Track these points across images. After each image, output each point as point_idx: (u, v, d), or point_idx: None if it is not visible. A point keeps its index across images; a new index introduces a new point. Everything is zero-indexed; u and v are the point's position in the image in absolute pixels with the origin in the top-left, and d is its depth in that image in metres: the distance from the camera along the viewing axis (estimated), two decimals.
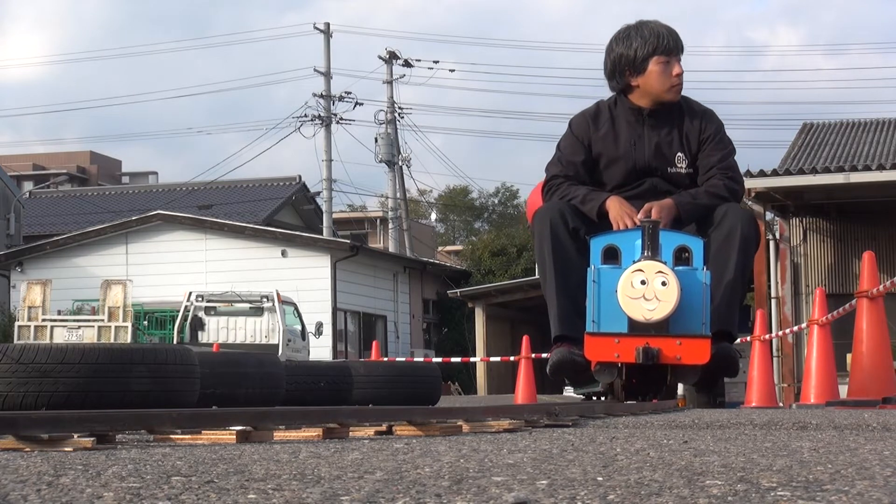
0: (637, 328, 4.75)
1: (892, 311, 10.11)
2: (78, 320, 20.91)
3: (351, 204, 52.85)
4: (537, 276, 5.46)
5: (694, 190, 5.22)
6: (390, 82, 41.60)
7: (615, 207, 5.05)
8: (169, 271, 30.55)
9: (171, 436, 3.44)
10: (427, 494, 1.76)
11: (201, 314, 24.36)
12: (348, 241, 34.08)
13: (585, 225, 5.10)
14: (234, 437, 3.35)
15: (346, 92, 39.70)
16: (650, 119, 5.33)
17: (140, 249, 31.65)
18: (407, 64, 41.56)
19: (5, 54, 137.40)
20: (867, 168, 18.29)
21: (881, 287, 7.97)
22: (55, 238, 33.13)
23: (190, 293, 24.46)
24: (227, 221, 32.61)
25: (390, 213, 41.88)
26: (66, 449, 2.86)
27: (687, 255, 4.88)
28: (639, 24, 5.37)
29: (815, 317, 9.51)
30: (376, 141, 41.04)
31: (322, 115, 39.13)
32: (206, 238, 31.51)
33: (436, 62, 42.42)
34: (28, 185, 53.57)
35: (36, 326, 19.95)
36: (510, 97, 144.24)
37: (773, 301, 19.72)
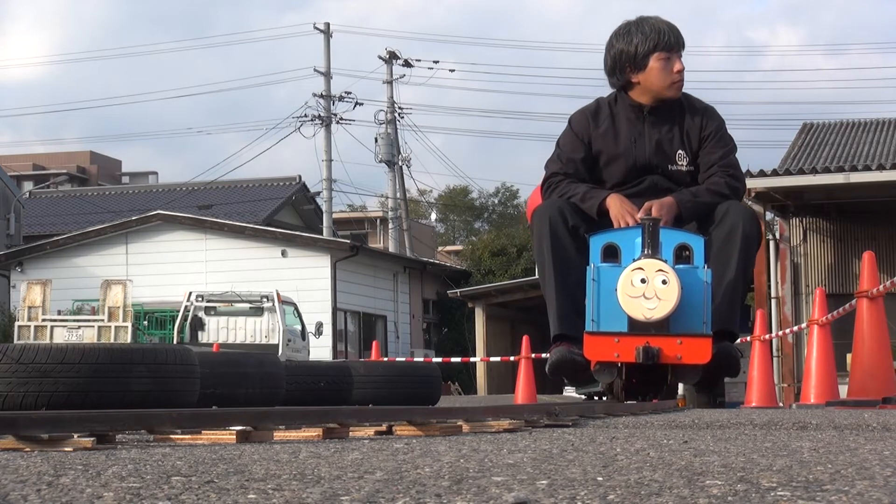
0: (637, 327, 4.70)
1: (892, 311, 10.11)
2: (78, 320, 20.91)
3: (351, 204, 52.92)
4: (537, 276, 5.41)
5: (695, 188, 5.17)
6: (390, 82, 41.61)
7: (616, 205, 5.00)
8: (169, 271, 30.55)
9: (171, 436, 3.44)
10: (427, 494, 1.76)
11: (201, 314, 24.36)
12: (348, 241, 34.09)
13: (585, 223, 5.05)
14: (234, 437, 3.35)
15: (346, 92, 39.75)
16: (651, 116, 5.28)
17: (140, 249, 31.65)
18: (407, 64, 41.56)
19: (5, 54, 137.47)
20: (867, 168, 18.29)
21: (881, 287, 7.97)
22: (55, 238, 33.14)
23: (190, 293, 24.47)
24: (227, 221, 32.61)
25: (390, 213, 41.87)
26: (66, 449, 2.86)
27: (687, 253, 4.83)
28: (639, 19, 5.31)
29: (815, 317, 9.51)
30: (376, 141, 41.04)
31: (322, 115, 39.14)
32: (206, 238, 31.51)
33: (436, 62, 42.48)
34: (28, 185, 53.58)
35: (36, 326, 19.95)
36: (510, 97, 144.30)
37: (773, 301, 19.72)
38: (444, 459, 2.45)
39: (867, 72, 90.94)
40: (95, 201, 41.80)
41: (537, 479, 2.00)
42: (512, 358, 20.22)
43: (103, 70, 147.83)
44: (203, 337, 23.89)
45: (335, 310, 31.01)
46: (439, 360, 21.93)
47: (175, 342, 23.11)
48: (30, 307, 20.17)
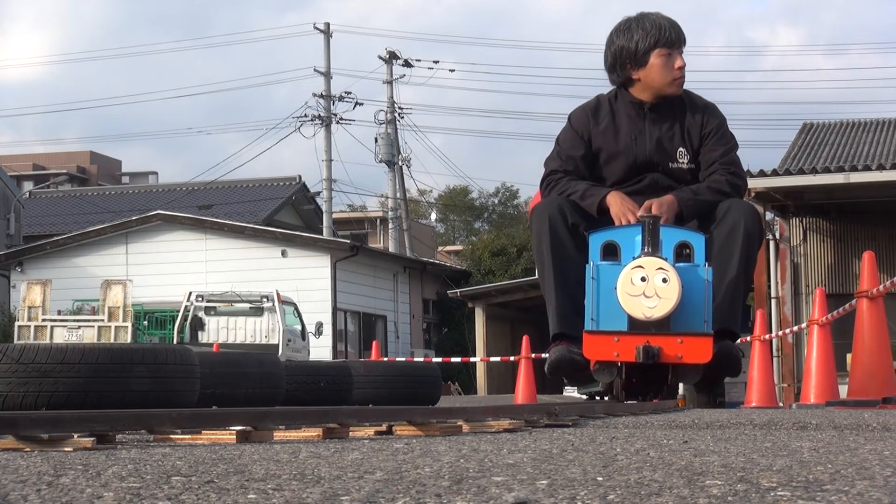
0: (637, 326, 4.64)
1: (892, 311, 10.11)
2: (78, 320, 20.91)
3: (351, 204, 52.94)
4: (537, 276, 5.37)
5: (695, 186, 5.12)
6: (390, 82, 41.61)
7: (616, 203, 4.95)
8: (169, 271, 30.56)
9: (171, 436, 3.44)
10: (427, 494, 1.76)
11: (201, 314, 24.36)
12: (348, 241, 34.09)
13: (585, 221, 4.99)
14: (234, 437, 3.35)
15: (346, 92, 39.76)
16: (651, 113, 5.22)
17: (140, 249, 31.66)
18: (407, 64, 41.57)
19: (5, 54, 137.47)
20: (867, 168, 18.29)
21: (881, 287, 7.97)
22: (55, 238, 33.14)
23: (190, 293, 24.47)
24: (227, 221, 32.62)
25: (390, 213, 41.88)
26: (66, 449, 2.86)
27: (688, 251, 4.77)
28: (640, 15, 5.25)
29: (815, 317, 9.51)
30: (376, 141, 41.05)
31: (322, 115, 39.14)
32: (206, 238, 31.52)
33: (436, 62, 42.48)
34: (28, 185, 53.58)
35: (36, 326, 19.95)
36: (510, 97, 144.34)
37: (773, 301, 19.72)
38: (444, 459, 2.45)
39: (867, 72, 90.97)
40: (95, 201, 41.80)
41: (537, 479, 2.00)
42: (512, 358, 20.22)
43: (103, 70, 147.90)
44: (203, 337, 23.89)
45: (335, 310, 31.02)
46: (439, 360, 21.93)
47: (175, 342, 23.11)
48: (30, 307, 20.17)
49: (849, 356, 8.89)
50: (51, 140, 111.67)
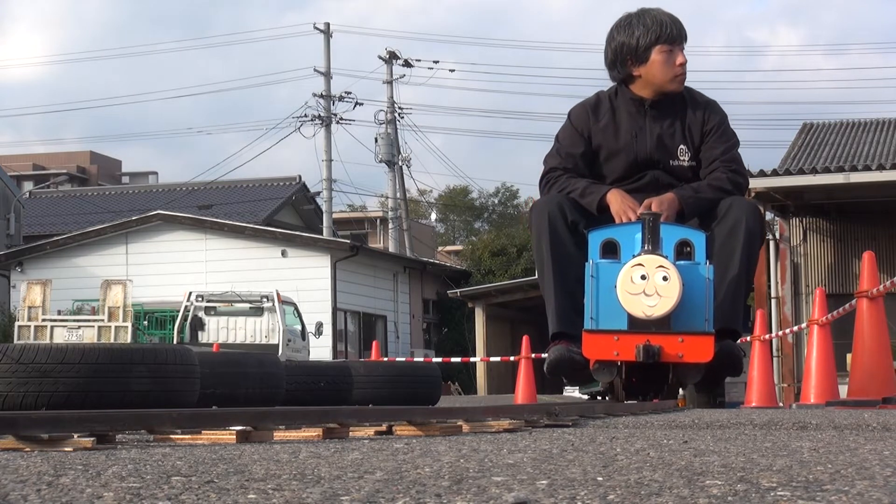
0: (637, 325, 4.58)
1: (892, 311, 10.11)
2: (78, 320, 20.91)
3: (351, 204, 52.94)
4: (536, 275, 5.33)
5: (696, 183, 5.07)
6: (390, 82, 41.61)
7: (617, 201, 4.90)
8: (169, 271, 30.56)
9: (171, 436, 3.44)
10: (427, 494, 1.76)
11: (201, 314, 24.37)
12: (348, 241, 34.09)
13: (585, 219, 4.94)
14: (234, 437, 3.35)
15: (346, 92, 39.77)
16: (652, 110, 5.17)
17: (140, 249, 31.66)
18: (407, 64, 41.57)
19: (5, 54, 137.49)
20: (867, 168, 18.29)
21: (881, 287, 7.96)
22: (55, 238, 33.14)
23: (190, 293, 24.47)
24: (227, 221, 32.62)
25: (390, 213, 41.88)
26: (66, 449, 2.86)
27: (689, 249, 4.71)
28: (641, 11, 5.19)
29: (815, 317, 9.51)
30: (376, 141, 41.05)
31: (322, 115, 39.14)
32: (206, 238, 31.52)
33: (436, 62, 42.49)
34: (28, 185, 53.58)
35: (36, 326, 19.95)
36: (510, 97, 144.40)
37: (773, 301, 19.73)
38: (444, 459, 2.45)
39: (867, 72, 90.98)
40: (95, 201, 41.81)
41: (537, 479, 2.00)
42: (512, 358, 20.22)
43: (103, 70, 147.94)
44: (203, 337, 23.89)
45: (335, 310, 31.02)
46: (439, 360, 21.93)
47: (175, 342, 23.11)
48: (30, 307, 20.17)
49: (849, 356, 8.89)
50: (51, 140, 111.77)
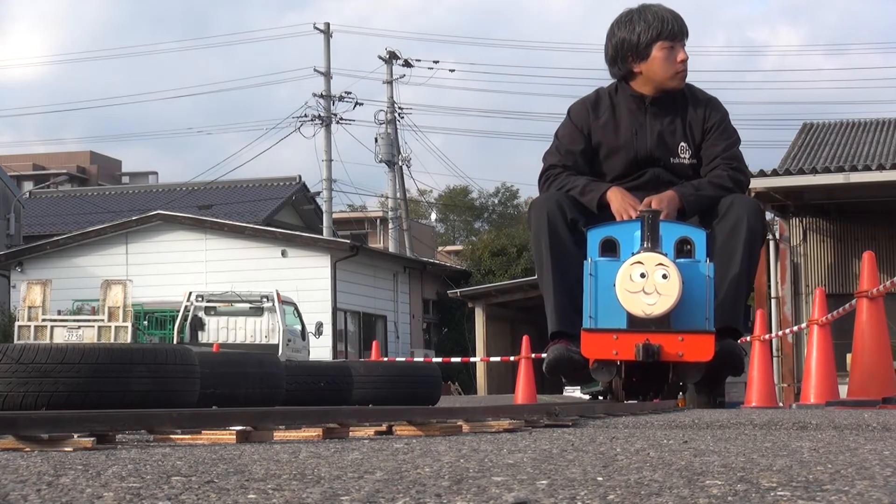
0: (636, 324, 4.54)
1: (892, 311, 10.10)
2: (78, 320, 20.92)
3: (351, 204, 52.95)
4: (536, 275, 5.29)
5: (697, 181, 5.03)
6: (390, 82, 41.61)
7: (617, 199, 4.86)
8: (169, 271, 30.56)
9: (171, 436, 3.44)
10: (427, 494, 1.76)
11: (201, 314, 24.37)
12: (348, 241, 34.09)
13: (584, 217, 4.90)
14: (234, 437, 3.35)
15: (346, 92, 39.78)
16: (653, 107, 5.12)
17: (140, 249, 31.66)
18: (407, 64, 41.57)
19: (5, 54, 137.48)
20: (867, 168, 18.30)
21: (881, 287, 7.96)
22: (55, 238, 33.15)
23: (190, 293, 24.47)
24: (227, 221, 32.62)
25: (390, 213, 41.88)
26: (66, 449, 2.86)
27: (689, 247, 4.66)
28: (642, 7, 5.14)
29: (815, 317, 9.50)
30: (376, 141, 41.05)
31: (322, 115, 39.14)
32: (206, 238, 31.52)
33: (436, 62, 42.49)
34: (28, 185, 53.58)
35: (36, 326, 19.95)
36: (510, 97, 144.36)
37: (773, 301, 19.73)
38: (444, 459, 2.45)
39: (867, 72, 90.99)
40: (95, 201, 41.80)
41: (537, 479, 2.00)
42: (512, 358, 20.22)
43: (103, 70, 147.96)
44: (203, 337, 23.89)
45: (335, 310, 31.01)
46: (439, 360, 21.92)
47: (175, 342, 23.11)
48: (30, 307, 20.17)
49: (849, 356, 8.89)
50: (51, 140, 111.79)
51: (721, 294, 4.77)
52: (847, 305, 8.88)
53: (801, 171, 18.71)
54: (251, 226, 32.80)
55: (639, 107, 5.16)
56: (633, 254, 4.59)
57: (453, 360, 24.80)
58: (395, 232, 41.37)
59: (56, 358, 6.55)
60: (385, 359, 22.22)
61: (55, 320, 20.56)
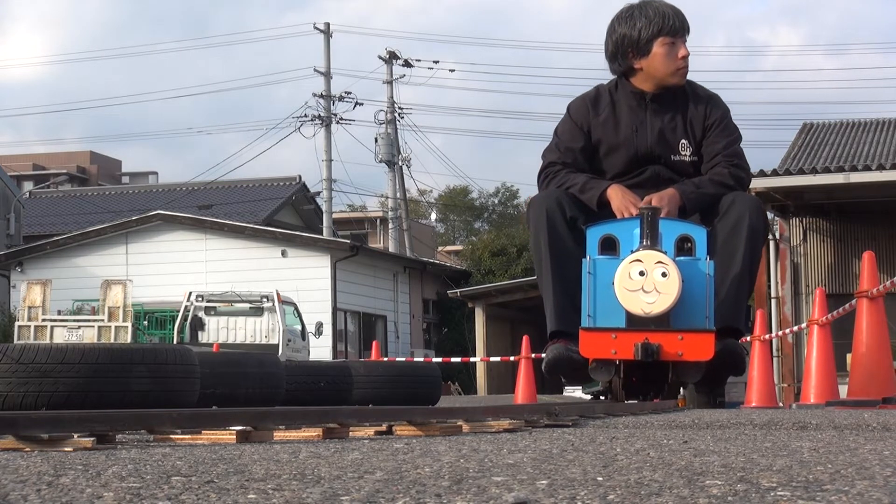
0: (636, 323, 4.49)
1: (892, 311, 10.10)
2: (78, 320, 20.92)
3: (351, 204, 52.94)
4: (535, 274, 5.25)
5: (698, 178, 4.98)
6: (390, 82, 41.60)
7: (617, 196, 4.81)
8: (169, 271, 30.56)
9: (171, 436, 3.44)
10: (427, 494, 1.76)
11: (201, 314, 24.37)
12: (348, 241, 34.09)
13: (584, 215, 4.86)
14: (234, 437, 3.35)
15: (346, 92, 39.77)
16: (653, 104, 5.07)
17: (140, 249, 31.66)
18: (407, 64, 41.56)
19: (5, 54, 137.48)
20: (867, 168, 18.30)
21: (881, 287, 7.96)
22: (55, 238, 33.14)
23: (190, 293, 24.47)
24: (227, 221, 32.62)
25: (390, 213, 41.87)
26: (66, 449, 2.86)
27: (689, 244, 4.61)
28: (643, 2, 5.08)
29: (815, 317, 9.50)
30: (376, 141, 41.05)
31: (322, 115, 39.14)
32: (206, 238, 31.52)
33: (436, 62, 42.49)
34: (28, 185, 53.58)
35: (36, 326, 19.95)
36: (510, 97, 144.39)
37: (773, 301, 19.73)
38: (444, 459, 2.45)
39: (868, 72, 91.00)
40: (95, 201, 41.80)
41: (537, 479, 2.00)
42: (512, 358, 20.21)
43: (103, 70, 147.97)
44: (203, 337, 23.89)
45: (335, 310, 31.01)
46: (439, 360, 21.92)
47: (175, 342, 23.11)
48: (30, 307, 20.17)
49: (849, 356, 8.89)
50: (51, 140, 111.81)
51: (722, 293, 4.73)
52: (847, 305, 8.88)
53: (801, 171, 18.71)
54: (251, 226, 32.80)
55: (639, 103, 5.11)
56: (632, 252, 4.54)
57: (453, 360, 24.80)
58: (395, 232, 41.37)
59: (56, 358, 6.55)
60: (385, 359, 22.22)
61: (55, 320, 20.56)
